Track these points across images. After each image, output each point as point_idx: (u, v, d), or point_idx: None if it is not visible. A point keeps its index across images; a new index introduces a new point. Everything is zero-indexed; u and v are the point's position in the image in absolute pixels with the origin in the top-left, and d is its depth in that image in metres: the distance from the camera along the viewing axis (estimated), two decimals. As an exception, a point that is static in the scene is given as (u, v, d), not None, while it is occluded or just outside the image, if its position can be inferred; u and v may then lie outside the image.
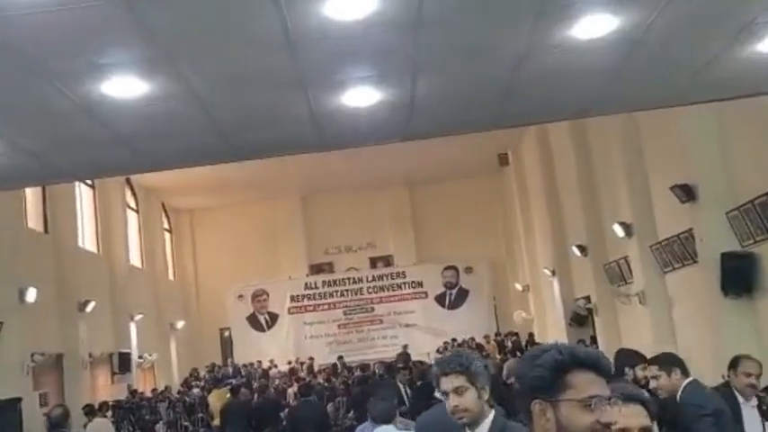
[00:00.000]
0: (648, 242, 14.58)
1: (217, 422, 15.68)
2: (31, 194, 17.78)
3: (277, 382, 19.58)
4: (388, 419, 6.07)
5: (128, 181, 23.44)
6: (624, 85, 7.23)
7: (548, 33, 5.90)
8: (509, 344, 22.90)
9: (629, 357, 6.49)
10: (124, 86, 5.96)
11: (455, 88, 6.92)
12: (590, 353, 1.97)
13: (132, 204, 24.24)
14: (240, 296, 26.38)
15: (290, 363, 23.85)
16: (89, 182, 20.98)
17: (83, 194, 20.50)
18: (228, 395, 15.80)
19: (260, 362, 23.50)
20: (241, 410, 14.40)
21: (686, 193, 12.24)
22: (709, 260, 11.74)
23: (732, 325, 11.30)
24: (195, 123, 6.78)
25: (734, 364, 5.71)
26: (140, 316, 21.73)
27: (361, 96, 6.82)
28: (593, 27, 5.93)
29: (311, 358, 23.87)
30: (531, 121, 8.79)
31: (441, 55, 6.13)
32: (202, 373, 22.89)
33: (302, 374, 22.23)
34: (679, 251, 13.66)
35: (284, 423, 13.24)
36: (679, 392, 5.02)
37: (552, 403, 1.88)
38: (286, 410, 13.78)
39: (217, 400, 16.43)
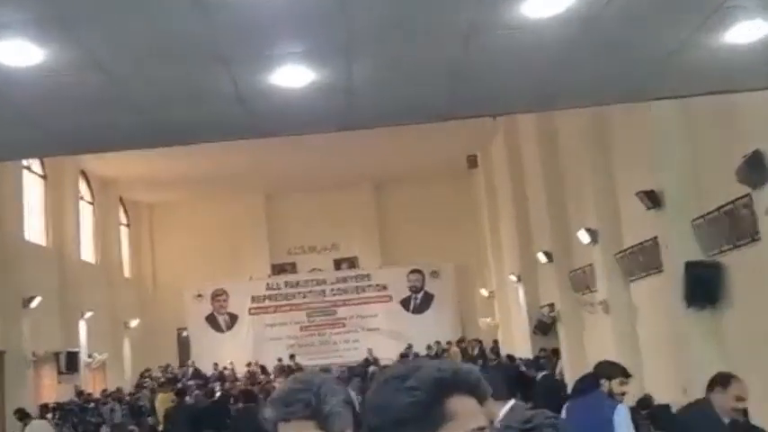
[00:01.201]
0: (613, 250, 14.16)
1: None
2: (-26, 184, 17.00)
3: (228, 384, 18.85)
4: None
5: (83, 173, 22.64)
6: (581, 75, 6.66)
7: (494, 9, 5.33)
8: (475, 351, 22.42)
9: (608, 369, 6.14)
10: (15, 51, 5.28)
11: (396, 70, 6.32)
12: (473, 371, 1.51)
13: (87, 197, 23.42)
14: (199, 295, 25.67)
15: (249, 365, 23.19)
16: (39, 172, 20.20)
17: (31, 184, 19.67)
18: (174, 398, 15.06)
19: (216, 364, 22.73)
20: (185, 415, 13.74)
21: (651, 199, 11.82)
22: (674, 269, 11.30)
23: (694, 337, 10.85)
24: (104, 100, 6.10)
25: (724, 382, 5.16)
26: (91, 313, 20.89)
27: (292, 76, 6.19)
28: (544, 5, 5.37)
29: (280, 359, 23.27)
30: (483, 111, 8.19)
31: (376, 29, 5.53)
32: (156, 374, 22.11)
33: (262, 378, 21.61)
34: (644, 259, 13.23)
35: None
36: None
37: None
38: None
39: (161, 403, 15.69)
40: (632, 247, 13.48)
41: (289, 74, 6.15)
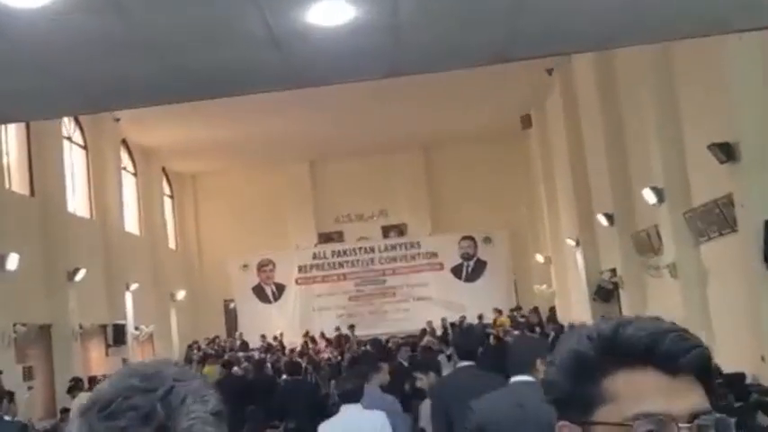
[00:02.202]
0: (682, 209, 13.16)
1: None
2: (16, 155, 16.73)
3: (270, 356, 18.38)
4: (355, 399, 5.71)
5: (124, 143, 22.31)
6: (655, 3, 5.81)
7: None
8: (532, 319, 21.55)
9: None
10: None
11: (448, 4, 5.55)
12: (641, 334, 1.08)
13: (130, 168, 23.14)
14: (245, 266, 25.25)
15: (307, 334, 22.66)
16: (81, 142, 19.93)
17: (74, 156, 19.40)
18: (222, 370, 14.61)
19: (263, 336, 22.30)
20: (232, 387, 13.26)
21: (726, 152, 10.78)
22: (751, 228, 10.36)
23: (775, 301, 9.90)
24: (122, 45, 5.46)
25: None
26: (136, 285, 20.64)
27: (330, 12, 5.47)
28: None
29: (338, 328, 22.67)
30: (545, 51, 7.32)
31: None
32: (203, 345, 21.84)
33: (311, 347, 21.12)
34: (716, 218, 12.22)
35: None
36: None
37: (584, 428, 1.10)
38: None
39: (208, 376, 15.27)
40: (703, 205, 12.48)
41: (327, 10, 5.43)
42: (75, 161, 19.43)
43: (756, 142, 10.26)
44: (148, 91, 6.31)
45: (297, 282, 25.30)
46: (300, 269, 25.28)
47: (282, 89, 7.11)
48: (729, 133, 10.75)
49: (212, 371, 15.02)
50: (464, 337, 8.14)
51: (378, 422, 5.57)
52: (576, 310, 20.33)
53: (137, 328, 20.83)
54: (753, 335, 11.08)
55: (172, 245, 26.15)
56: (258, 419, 11.60)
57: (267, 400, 12.97)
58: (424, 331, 20.46)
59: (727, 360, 11.48)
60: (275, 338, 22.43)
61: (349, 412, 5.58)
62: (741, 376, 11.22)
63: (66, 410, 13.48)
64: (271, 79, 6.50)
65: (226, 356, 16.48)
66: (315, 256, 25.42)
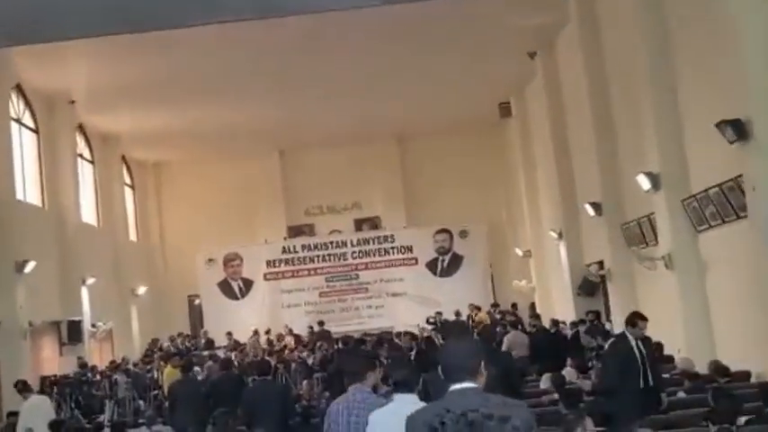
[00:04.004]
0: (680, 195, 12.29)
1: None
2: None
3: (237, 355, 17.29)
4: (409, 389, 4.97)
5: (80, 127, 21.02)
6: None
7: None
8: (508, 317, 20.73)
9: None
10: None
11: None
12: None
13: (87, 154, 21.87)
14: (210, 260, 24.23)
15: (268, 332, 21.70)
16: (32, 126, 18.61)
17: (23, 140, 18.13)
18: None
19: (230, 333, 21.11)
20: (191, 391, 12.08)
21: (736, 130, 9.88)
22: (763, 214, 9.48)
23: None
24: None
25: None
26: (93, 279, 19.41)
27: None
28: None
29: (311, 327, 21.60)
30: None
31: None
32: (165, 343, 20.62)
33: (277, 345, 20.03)
34: (719, 205, 11.37)
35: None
36: None
37: None
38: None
39: (168, 377, 14.15)
40: (705, 190, 11.61)
41: None
42: (24, 146, 18.17)
43: (770, 118, 9.39)
44: (82, 17, 5.13)
45: (265, 277, 24.39)
46: (269, 264, 24.36)
47: (252, 16, 5.93)
48: (738, 109, 9.87)
49: (173, 372, 13.88)
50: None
51: None
52: (559, 305, 19.54)
53: (94, 325, 19.60)
54: (762, 329, 10.25)
55: (132, 237, 25.03)
56: (224, 423, 10.52)
57: (234, 403, 11.89)
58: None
59: (730, 357, 10.69)
60: (256, 332, 21.34)
61: (403, 402, 4.99)
62: (746, 374, 10.43)
63: (13, 414, 12.34)
64: (237, 3, 5.35)
65: (189, 355, 15.34)
66: (284, 251, 24.55)
